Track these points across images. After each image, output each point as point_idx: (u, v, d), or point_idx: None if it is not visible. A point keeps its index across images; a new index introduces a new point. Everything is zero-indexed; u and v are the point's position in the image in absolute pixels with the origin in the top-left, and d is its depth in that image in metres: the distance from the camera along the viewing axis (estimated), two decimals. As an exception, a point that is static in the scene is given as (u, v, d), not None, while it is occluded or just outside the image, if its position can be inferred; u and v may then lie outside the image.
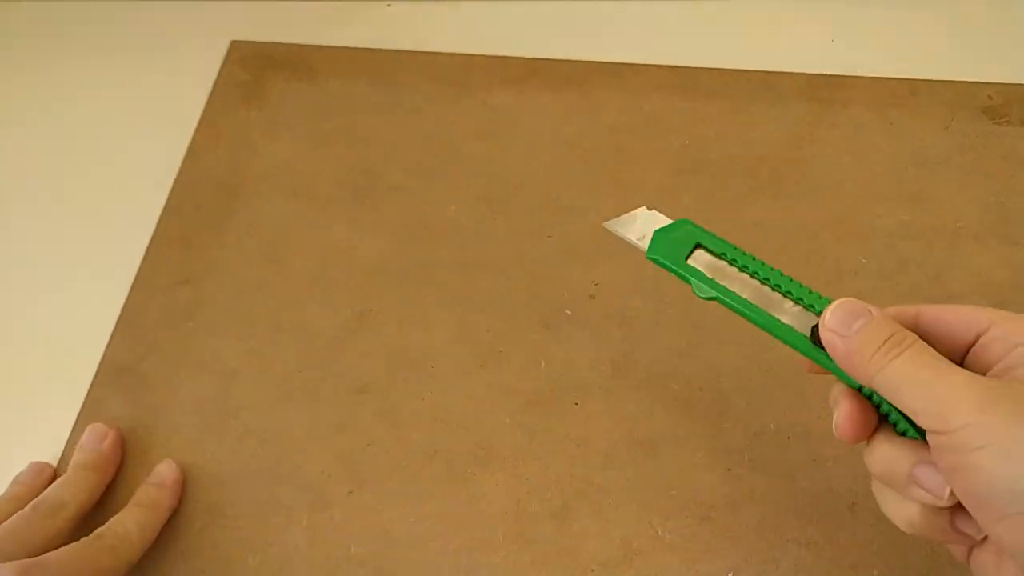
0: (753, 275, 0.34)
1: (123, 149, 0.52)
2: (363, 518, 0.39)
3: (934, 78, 0.52)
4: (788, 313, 0.32)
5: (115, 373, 0.44)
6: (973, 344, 0.29)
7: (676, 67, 0.53)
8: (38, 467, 0.41)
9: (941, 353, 0.27)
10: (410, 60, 0.55)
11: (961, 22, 0.55)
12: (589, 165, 0.49)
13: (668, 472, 0.39)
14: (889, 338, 0.27)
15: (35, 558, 0.33)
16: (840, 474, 0.38)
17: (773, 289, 0.33)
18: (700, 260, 0.35)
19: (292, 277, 0.46)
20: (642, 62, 0.54)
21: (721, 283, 0.34)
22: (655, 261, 0.35)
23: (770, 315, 0.33)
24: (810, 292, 0.33)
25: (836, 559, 0.37)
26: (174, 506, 0.40)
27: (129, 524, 0.37)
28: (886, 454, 0.28)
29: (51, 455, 0.41)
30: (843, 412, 0.29)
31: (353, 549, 0.38)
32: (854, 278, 0.44)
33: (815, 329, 0.31)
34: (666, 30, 0.56)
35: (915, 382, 0.26)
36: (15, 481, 0.40)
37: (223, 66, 0.55)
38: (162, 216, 0.49)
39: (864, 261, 0.45)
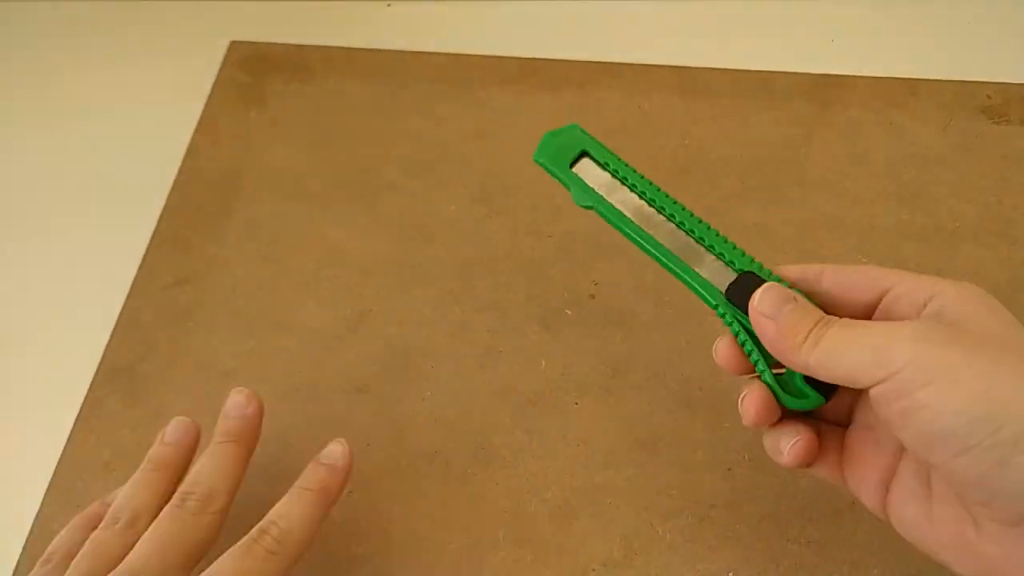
0: (641, 195, 0.33)
1: (123, 149, 0.52)
2: (363, 518, 0.39)
3: (933, 78, 0.52)
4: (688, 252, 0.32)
5: (115, 373, 0.43)
6: (878, 304, 0.29)
7: (675, 67, 0.53)
8: (185, 426, 0.36)
9: (847, 313, 0.29)
10: (409, 60, 0.55)
11: (961, 22, 0.55)
12: (589, 165, 0.49)
13: (668, 472, 0.39)
14: (819, 320, 0.28)
15: None
16: (840, 474, 0.38)
17: (659, 212, 0.32)
18: (589, 171, 0.34)
19: (291, 277, 0.46)
20: (641, 62, 0.54)
21: (608, 199, 0.32)
22: (540, 164, 0.34)
23: (647, 232, 0.32)
24: (714, 234, 0.32)
25: (836, 559, 0.37)
26: (339, 497, 0.34)
27: (293, 518, 0.32)
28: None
29: (51, 456, 0.41)
30: (755, 396, 0.30)
31: (353, 549, 0.38)
32: (854, 278, 0.44)
33: (731, 286, 0.31)
34: (666, 30, 0.56)
35: (850, 342, 0.27)
36: (162, 441, 0.36)
37: (222, 66, 0.55)
38: (162, 216, 0.49)
39: (864, 261, 0.45)
